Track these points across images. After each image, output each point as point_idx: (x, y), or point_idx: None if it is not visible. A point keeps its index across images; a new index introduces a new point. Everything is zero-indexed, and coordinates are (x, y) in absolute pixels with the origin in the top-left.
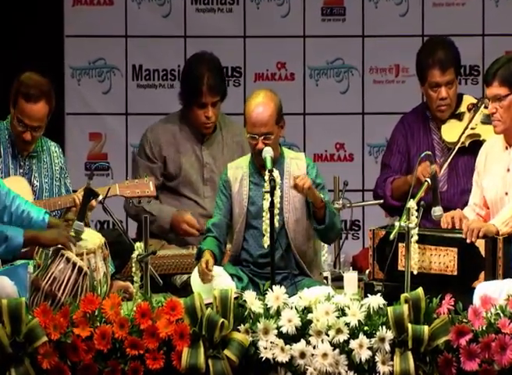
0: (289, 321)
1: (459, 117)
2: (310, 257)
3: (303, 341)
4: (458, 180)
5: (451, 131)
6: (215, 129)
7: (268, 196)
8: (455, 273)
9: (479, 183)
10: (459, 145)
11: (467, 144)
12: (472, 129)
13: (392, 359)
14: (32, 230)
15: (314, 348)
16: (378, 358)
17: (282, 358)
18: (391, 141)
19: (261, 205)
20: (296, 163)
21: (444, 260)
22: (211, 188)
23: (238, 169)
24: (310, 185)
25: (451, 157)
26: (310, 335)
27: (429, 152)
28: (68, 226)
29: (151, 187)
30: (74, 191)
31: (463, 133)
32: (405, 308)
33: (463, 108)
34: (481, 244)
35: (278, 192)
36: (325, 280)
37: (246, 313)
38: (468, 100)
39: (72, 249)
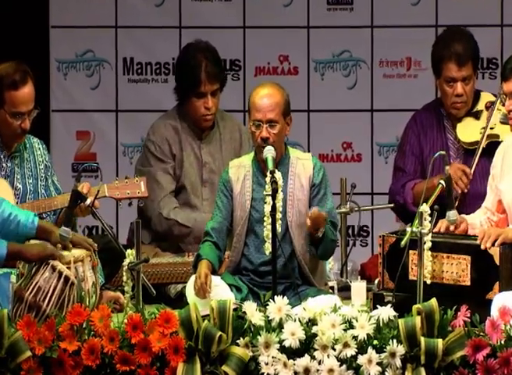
0: (293, 334)
1: (476, 115)
2: (314, 264)
3: (307, 356)
4: (474, 184)
5: (467, 131)
6: (213, 125)
7: (269, 199)
8: (468, 284)
9: (493, 187)
10: (478, 147)
11: (484, 145)
12: (490, 129)
13: None
14: (16, 244)
15: (319, 363)
16: (388, 374)
17: (285, 374)
18: (403, 141)
19: (264, 207)
20: (303, 164)
21: (457, 269)
22: (209, 190)
23: (240, 168)
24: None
25: (476, 162)
26: (315, 349)
27: (443, 152)
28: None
29: (142, 188)
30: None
31: (483, 134)
32: (417, 320)
33: (480, 106)
34: (495, 252)
35: (280, 195)
36: (331, 290)
37: (246, 326)
38: (486, 97)
39: (61, 258)
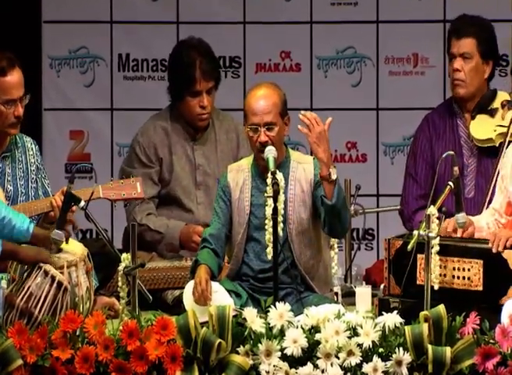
0: (295, 342)
1: (491, 113)
2: (318, 273)
3: (310, 365)
4: (486, 186)
5: (481, 128)
6: (208, 125)
7: (270, 202)
8: (480, 289)
9: (502, 188)
10: (501, 149)
11: (497, 143)
12: (503, 127)
13: None
14: (11, 243)
15: (322, 372)
16: None
17: None
18: (414, 143)
19: (263, 213)
20: (304, 168)
21: (468, 274)
22: (204, 193)
23: (239, 173)
24: (325, 130)
25: (501, 160)
26: (318, 358)
27: (452, 152)
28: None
29: (138, 189)
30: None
31: (506, 135)
32: (424, 327)
33: (496, 104)
34: (509, 255)
35: (282, 197)
36: (334, 296)
37: (246, 333)
38: (503, 96)
39: (54, 264)
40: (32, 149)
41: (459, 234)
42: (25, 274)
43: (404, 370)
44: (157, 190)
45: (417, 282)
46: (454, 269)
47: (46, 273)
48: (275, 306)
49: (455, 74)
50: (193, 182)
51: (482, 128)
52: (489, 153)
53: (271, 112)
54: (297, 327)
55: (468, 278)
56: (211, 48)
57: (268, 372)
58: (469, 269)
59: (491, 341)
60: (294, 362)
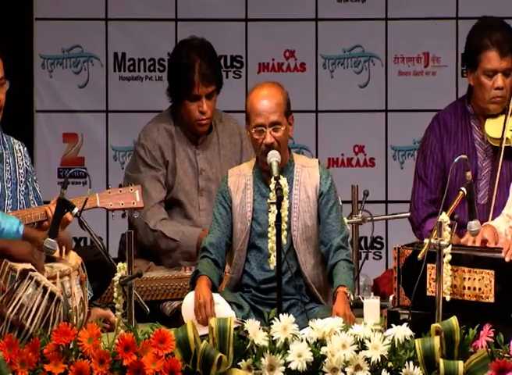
0: (299, 356)
1: (507, 112)
2: (324, 282)
3: None
4: (501, 191)
5: (496, 126)
6: (210, 128)
7: (274, 208)
8: (491, 300)
9: None
10: (500, 147)
11: (505, 144)
12: None
13: None
14: (3, 240)
15: None
16: None
17: None
18: (424, 144)
19: (266, 220)
20: (308, 172)
21: (479, 285)
22: (206, 199)
23: (240, 177)
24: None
25: (501, 159)
26: (323, 372)
27: (464, 156)
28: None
29: (137, 198)
30: (46, 202)
31: (503, 132)
32: (436, 340)
33: None
34: None
35: (286, 203)
36: None
37: (248, 347)
38: None
39: (42, 271)
40: (20, 151)
41: (478, 244)
42: (15, 284)
43: None
44: (165, 193)
45: (428, 293)
46: (465, 279)
47: (38, 283)
48: (278, 318)
49: (498, 92)
50: (195, 188)
51: (498, 127)
52: (505, 155)
53: (276, 111)
54: (302, 340)
55: (479, 289)
56: (213, 50)
57: None
58: (480, 280)
59: (506, 354)
60: None
